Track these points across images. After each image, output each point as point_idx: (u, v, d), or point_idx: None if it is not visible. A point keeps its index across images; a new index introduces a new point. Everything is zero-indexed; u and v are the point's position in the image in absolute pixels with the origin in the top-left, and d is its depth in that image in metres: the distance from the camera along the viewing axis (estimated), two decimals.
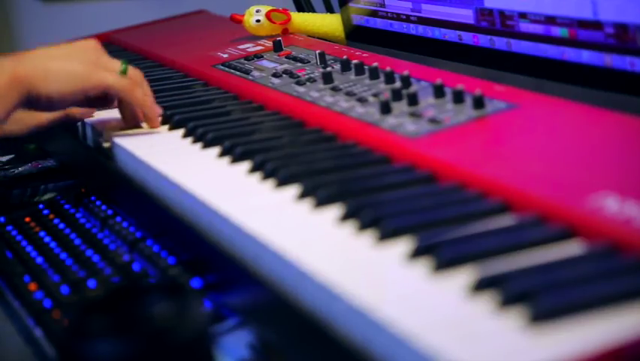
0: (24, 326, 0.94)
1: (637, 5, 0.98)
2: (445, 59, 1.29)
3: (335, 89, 1.17)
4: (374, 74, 1.19)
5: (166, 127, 1.18)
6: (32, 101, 1.08)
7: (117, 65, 1.14)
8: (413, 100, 1.06)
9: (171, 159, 1.06)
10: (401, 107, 1.06)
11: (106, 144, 1.16)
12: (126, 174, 1.10)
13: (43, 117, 1.22)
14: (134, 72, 1.16)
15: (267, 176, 0.96)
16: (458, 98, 1.04)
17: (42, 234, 1.13)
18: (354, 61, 1.23)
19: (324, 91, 1.18)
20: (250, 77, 1.31)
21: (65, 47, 1.14)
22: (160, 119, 1.18)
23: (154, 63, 1.53)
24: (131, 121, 1.17)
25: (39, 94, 1.07)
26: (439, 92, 1.07)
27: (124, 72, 1.13)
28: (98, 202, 1.17)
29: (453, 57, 1.28)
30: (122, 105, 1.16)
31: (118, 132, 1.16)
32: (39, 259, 1.06)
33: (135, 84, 1.14)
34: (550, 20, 1.10)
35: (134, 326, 0.69)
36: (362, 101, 1.11)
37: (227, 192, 0.94)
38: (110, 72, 1.12)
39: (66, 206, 1.19)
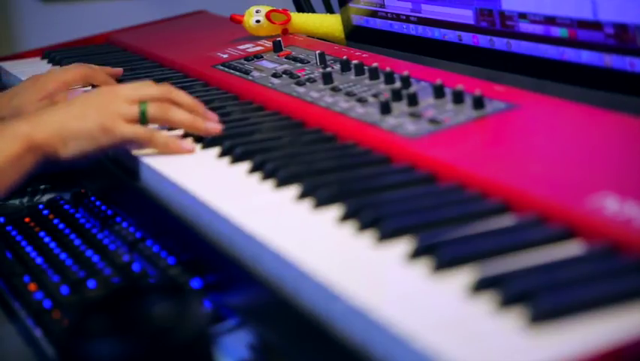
0: (24, 326, 0.94)
1: (637, 5, 0.98)
2: (444, 60, 1.29)
3: (335, 90, 1.17)
4: (374, 74, 1.19)
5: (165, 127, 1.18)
6: (50, 164, 1.05)
7: (134, 110, 1.07)
8: (413, 100, 1.06)
9: (171, 159, 1.06)
10: (401, 107, 1.06)
11: None
12: (126, 175, 1.10)
13: None
14: (156, 111, 1.09)
15: (266, 176, 0.96)
16: (458, 98, 1.04)
17: (42, 234, 1.13)
18: (354, 61, 1.23)
19: (323, 91, 1.18)
20: (250, 78, 1.31)
21: (80, 101, 1.08)
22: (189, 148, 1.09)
23: (154, 63, 1.53)
24: None
25: (57, 158, 1.04)
26: (438, 92, 1.07)
27: (143, 114, 1.08)
28: (97, 202, 1.17)
29: (453, 57, 1.28)
30: None
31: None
32: (39, 260, 1.06)
33: (153, 132, 1.08)
34: (550, 20, 1.10)
35: (134, 327, 0.69)
36: (362, 101, 1.11)
37: (227, 193, 0.94)
38: (127, 123, 1.07)
39: (66, 206, 1.19)
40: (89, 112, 1.06)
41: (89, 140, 1.04)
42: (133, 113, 1.07)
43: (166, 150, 1.08)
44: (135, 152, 1.09)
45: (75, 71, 1.35)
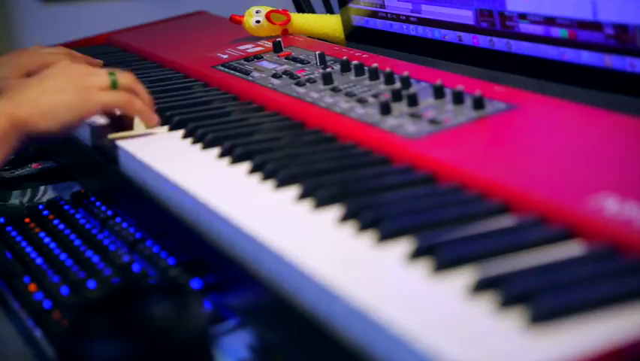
0: (24, 326, 0.94)
1: (637, 6, 0.98)
2: (444, 60, 1.29)
3: (335, 90, 1.17)
4: (374, 74, 1.19)
5: (166, 128, 1.18)
6: (33, 140, 1.08)
7: (105, 78, 1.13)
8: (413, 101, 1.06)
9: (171, 159, 1.06)
10: (401, 107, 1.06)
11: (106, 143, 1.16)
12: (126, 175, 1.10)
13: None
14: (124, 79, 1.14)
15: (266, 177, 0.96)
16: (458, 98, 1.04)
17: (42, 235, 1.12)
18: (354, 62, 1.23)
19: (324, 92, 1.18)
20: (250, 78, 1.31)
21: (51, 77, 1.12)
22: (158, 118, 1.16)
23: (154, 64, 1.53)
24: (131, 125, 1.17)
25: (39, 132, 1.07)
26: (438, 92, 1.07)
27: (114, 83, 1.13)
28: (97, 203, 1.17)
29: (453, 58, 1.28)
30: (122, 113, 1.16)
31: (118, 134, 1.16)
32: (39, 260, 1.06)
33: (131, 95, 1.13)
34: (550, 21, 1.10)
35: (134, 327, 0.69)
36: (362, 101, 1.11)
37: (227, 193, 0.94)
38: (103, 91, 1.12)
39: (66, 207, 1.19)
40: (64, 84, 1.11)
41: (70, 112, 1.09)
42: (104, 81, 1.13)
43: (140, 115, 1.14)
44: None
45: (59, 54, 1.39)
